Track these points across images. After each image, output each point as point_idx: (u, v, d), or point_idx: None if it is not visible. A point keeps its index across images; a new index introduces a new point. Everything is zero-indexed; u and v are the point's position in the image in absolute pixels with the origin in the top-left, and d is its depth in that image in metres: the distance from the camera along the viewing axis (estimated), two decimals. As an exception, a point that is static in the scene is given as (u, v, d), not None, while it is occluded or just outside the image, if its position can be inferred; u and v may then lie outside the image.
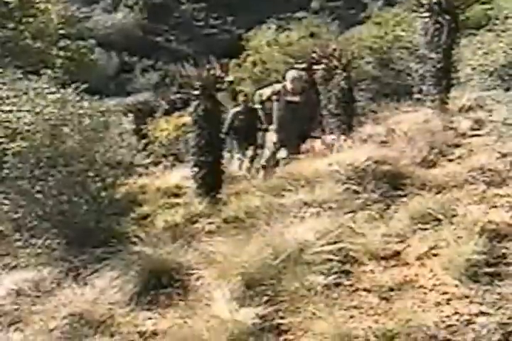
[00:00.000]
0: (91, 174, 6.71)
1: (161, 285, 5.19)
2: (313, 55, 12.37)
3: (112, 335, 4.62)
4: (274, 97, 9.20)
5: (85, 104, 7.20)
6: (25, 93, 6.87)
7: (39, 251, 6.34)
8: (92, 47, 21.19)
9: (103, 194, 6.79)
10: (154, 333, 4.63)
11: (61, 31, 18.09)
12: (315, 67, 12.00)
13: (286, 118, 9.00)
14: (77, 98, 7.15)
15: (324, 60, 11.73)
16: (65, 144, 6.65)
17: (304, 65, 12.66)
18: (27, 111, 6.61)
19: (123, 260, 5.48)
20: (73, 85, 7.26)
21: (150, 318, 4.83)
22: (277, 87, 9.37)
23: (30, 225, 6.52)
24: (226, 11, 60.59)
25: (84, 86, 7.37)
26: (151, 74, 53.12)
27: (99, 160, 6.92)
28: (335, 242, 5.12)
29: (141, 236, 5.76)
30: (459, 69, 10.81)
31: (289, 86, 9.11)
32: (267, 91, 9.49)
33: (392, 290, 4.58)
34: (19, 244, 6.46)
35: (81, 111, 7.01)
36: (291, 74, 9.26)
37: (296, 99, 9.02)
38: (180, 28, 61.74)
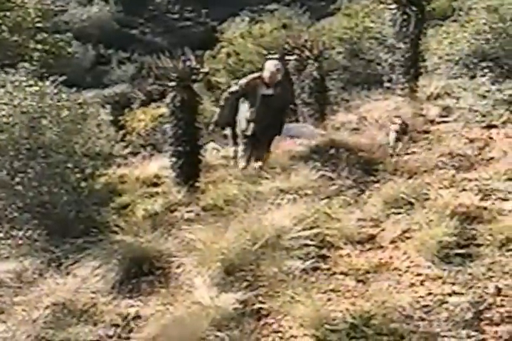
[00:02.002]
0: (70, 165, 6.62)
1: (143, 273, 5.15)
2: (286, 46, 12.35)
3: (95, 324, 4.57)
4: (249, 86, 8.29)
5: (63, 96, 7.10)
6: (3, 86, 6.76)
7: (20, 242, 6.27)
8: (68, 40, 20.88)
9: (83, 184, 6.72)
10: (137, 320, 4.59)
11: (38, 25, 17.85)
12: (288, 57, 11.98)
13: (260, 112, 8.12)
14: (55, 90, 7.04)
15: (297, 51, 11.73)
16: (43, 136, 6.57)
17: (277, 56, 12.61)
18: (5, 104, 6.51)
19: (104, 249, 5.42)
20: (51, 78, 7.16)
21: (132, 306, 4.78)
22: (252, 76, 8.45)
23: (11, 217, 6.44)
24: (200, 3, 60.18)
25: (62, 78, 7.28)
26: (128, 66, 52.62)
27: (78, 151, 6.83)
28: (311, 227, 5.12)
29: (121, 225, 5.71)
30: (426, 59, 10.85)
31: (266, 77, 8.18)
32: (242, 82, 8.53)
33: (368, 272, 4.59)
34: (0, 235, 6.37)
35: (59, 104, 6.91)
36: (272, 64, 8.32)
37: (270, 92, 8.17)
38: (156, 21, 61.29)
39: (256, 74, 8.39)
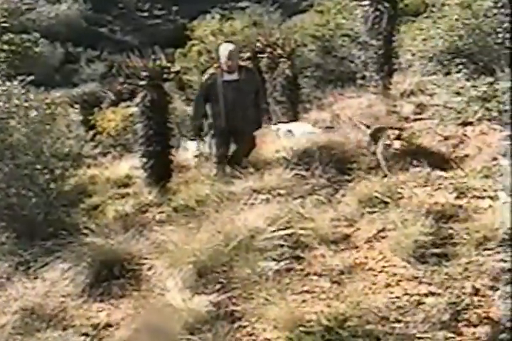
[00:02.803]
0: (39, 166, 6.63)
1: (113, 276, 5.10)
2: (258, 43, 12.35)
3: (64, 328, 4.52)
4: (209, 81, 7.78)
5: (31, 96, 7.08)
6: (-31, 87, 6.71)
7: (-13, 245, 6.20)
8: (36, 39, 20.70)
9: (52, 186, 6.72)
10: (108, 325, 4.54)
11: (4, 24, 17.68)
12: (259, 55, 11.98)
13: (228, 100, 7.60)
14: (23, 91, 7.02)
15: (268, 49, 11.74)
16: (11, 137, 6.56)
17: (248, 54, 12.59)
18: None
19: (74, 252, 5.36)
20: (18, 78, 7.11)
21: (103, 310, 4.74)
22: (210, 71, 7.97)
23: (-22, 220, 6.37)
24: (170, 1, 60.06)
25: (30, 78, 7.24)
26: (97, 64, 52.40)
27: (46, 152, 6.83)
28: (285, 228, 5.09)
29: (91, 227, 5.66)
30: (399, 55, 10.90)
31: (224, 63, 7.65)
32: (204, 77, 8.06)
33: (342, 273, 4.56)
34: (-34, 238, 6.30)
35: (27, 104, 6.90)
36: (224, 47, 7.82)
37: (235, 76, 7.68)
38: (125, 19, 61.08)
39: (213, 66, 8.04)
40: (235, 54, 7.72)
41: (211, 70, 7.86)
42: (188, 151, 9.87)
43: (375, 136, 7.32)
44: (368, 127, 7.64)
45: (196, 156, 8.94)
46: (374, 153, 7.12)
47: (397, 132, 7.35)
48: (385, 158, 6.89)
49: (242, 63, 8.26)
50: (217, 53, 7.99)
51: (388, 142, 7.17)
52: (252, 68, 8.81)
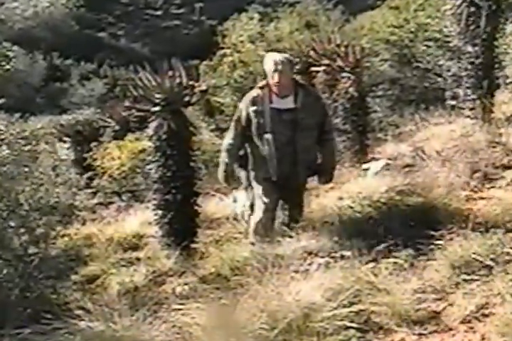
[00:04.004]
0: (13, 223, 6.62)
1: (119, 374, 5.16)
2: (311, 53, 12.49)
3: None
4: (252, 108, 7.34)
5: (1, 127, 7.14)
6: None
7: None
8: (7, 50, 21.01)
9: (31, 250, 6.69)
10: None
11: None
12: (314, 69, 12.10)
13: (281, 141, 7.17)
14: None
15: (326, 60, 11.84)
16: None
17: (298, 67, 12.73)
18: None
19: (63, 342, 5.40)
20: None
21: None
22: (252, 93, 7.52)
23: None
24: (192, -5, 60.99)
25: (0, 102, 7.28)
26: (94, 83, 52.95)
27: (24, 203, 6.82)
28: (351, 303, 5.13)
29: (87, 306, 5.67)
30: (505, 66, 10.91)
31: (272, 80, 7.25)
32: (242, 104, 7.63)
33: (432, 366, 4.59)
34: None
35: None
36: (271, 57, 7.37)
37: (289, 103, 7.28)
38: (131, 20, 61.86)
39: (258, 86, 7.56)
40: (287, 63, 7.28)
41: (254, 92, 7.48)
42: (235, 203, 9.78)
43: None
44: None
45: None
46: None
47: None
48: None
49: (301, 81, 7.84)
50: (264, 67, 7.54)
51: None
52: (314, 90, 8.42)
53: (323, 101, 7.87)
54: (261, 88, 7.40)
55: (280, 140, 7.21)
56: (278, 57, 7.31)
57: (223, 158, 7.61)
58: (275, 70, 7.17)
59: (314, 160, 7.63)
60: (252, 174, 7.58)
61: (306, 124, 7.27)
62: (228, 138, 7.60)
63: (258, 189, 7.51)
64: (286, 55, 7.54)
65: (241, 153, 7.63)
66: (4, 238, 6.55)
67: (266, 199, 7.43)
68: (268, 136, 7.23)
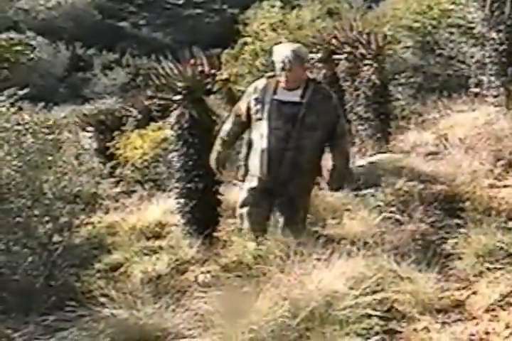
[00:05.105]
0: (37, 212, 6.64)
1: (142, 360, 5.18)
2: (333, 40, 12.44)
3: None
4: (253, 96, 6.85)
5: (25, 116, 7.15)
6: None
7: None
8: (30, 39, 21.08)
9: (55, 239, 6.72)
10: None
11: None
12: (336, 57, 12.06)
13: (278, 136, 6.60)
14: (14, 109, 7.09)
15: (348, 48, 11.80)
16: None
17: (320, 55, 12.70)
18: None
19: (86, 329, 5.37)
20: (7, 92, 7.18)
21: None
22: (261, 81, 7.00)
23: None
24: (214, -16, 60.99)
25: (23, 92, 7.30)
26: (117, 72, 53.00)
27: (48, 192, 6.86)
28: (374, 292, 5.12)
29: (110, 294, 5.70)
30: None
31: (280, 73, 6.70)
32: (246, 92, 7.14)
33: (454, 354, 4.57)
34: None
35: (19, 127, 6.94)
36: (281, 49, 6.83)
37: (295, 96, 6.69)
38: (153, 9, 61.92)
39: (265, 76, 7.02)
40: (297, 60, 6.61)
41: (260, 81, 6.97)
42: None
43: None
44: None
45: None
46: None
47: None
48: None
49: (312, 76, 7.29)
50: (273, 59, 6.93)
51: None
52: (327, 88, 7.24)
53: (334, 101, 6.92)
54: (268, 78, 6.87)
55: (276, 135, 6.60)
56: (287, 53, 6.61)
57: (216, 145, 7.20)
58: (283, 69, 6.60)
59: (317, 165, 6.90)
60: (244, 170, 7.06)
61: (309, 122, 6.59)
62: (226, 126, 7.16)
63: (249, 190, 7.01)
64: (297, 49, 6.73)
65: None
66: (29, 226, 6.56)
67: (253, 209, 6.97)
68: (264, 128, 6.66)
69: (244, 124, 6.97)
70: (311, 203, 7.22)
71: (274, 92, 6.69)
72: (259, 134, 6.68)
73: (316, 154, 6.80)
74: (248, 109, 6.84)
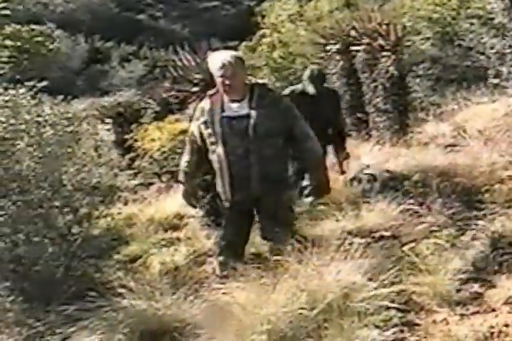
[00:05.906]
0: (57, 203, 6.67)
1: (160, 351, 5.19)
2: (351, 32, 12.41)
3: None
4: (201, 120, 6.25)
5: (45, 108, 7.17)
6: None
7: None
8: (50, 32, 21.11)
9: (75, 230, 6.75)
10: None
11: (4, 12, 17.77)
12: (354, 48, 12.04)
13: (235, 154, 6.02)
14: (34, 101, 7.10)
15: (366, 39, 11.77)
16: (19, 164, 6.60)
17: (338, 46, 12.67)
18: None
19: (105, 319, 5.44)
20: (27, 84, 7.20)
21: None
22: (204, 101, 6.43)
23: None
24: (231, -24, 60.90)
25: (42, 84, 7.31)
26: (134, 64, 52.99)
27: (67, 184, 6.88)
28: (392, 283, 5.11)
29: (129, 285, 5.75)
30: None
31: (220, 85, 6.11)
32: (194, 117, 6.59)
33: (474, 346, 4.55)
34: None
35: (39, 119, 6.94)
36: (218, 60, 6.10)
37: (243, 108, 6.14)
38: (170, 1, 61.92)
39: (209, 93, 6.37)
40: (238, 63, 6.12)
41: (203, 102, 6.39)
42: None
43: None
44: None
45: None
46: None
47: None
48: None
49: (259, 81, 6.71)
50: (210, 68, 6.34)
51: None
52: (272, 90, 6.86)
53: (285, 102, 6.35)
54: (211, 96, 6.26)
55: (234, 153, 6.06)
56: (226, 57, 6.06)
57: (180, 179, 6.72)
58: (223, 75, 6.01)
59: (284, 172, 6.42)
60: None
61: (262, 131, 6.00)
62: (184, 157, 6.63)
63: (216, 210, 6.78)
64: (234, 53, 6.25)
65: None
66: (49, 217, 6.59)
67: (227, 231, 6.46)
68: (220, 149, 6.09)
69: (201, 149, 6.35)
70: (296, 216, 6.75)
71: (222, 110, 6.14)
72: (217, 156, 6.13)
73: (283, 161, 6.36)
74: (201, 134, 6.27)
